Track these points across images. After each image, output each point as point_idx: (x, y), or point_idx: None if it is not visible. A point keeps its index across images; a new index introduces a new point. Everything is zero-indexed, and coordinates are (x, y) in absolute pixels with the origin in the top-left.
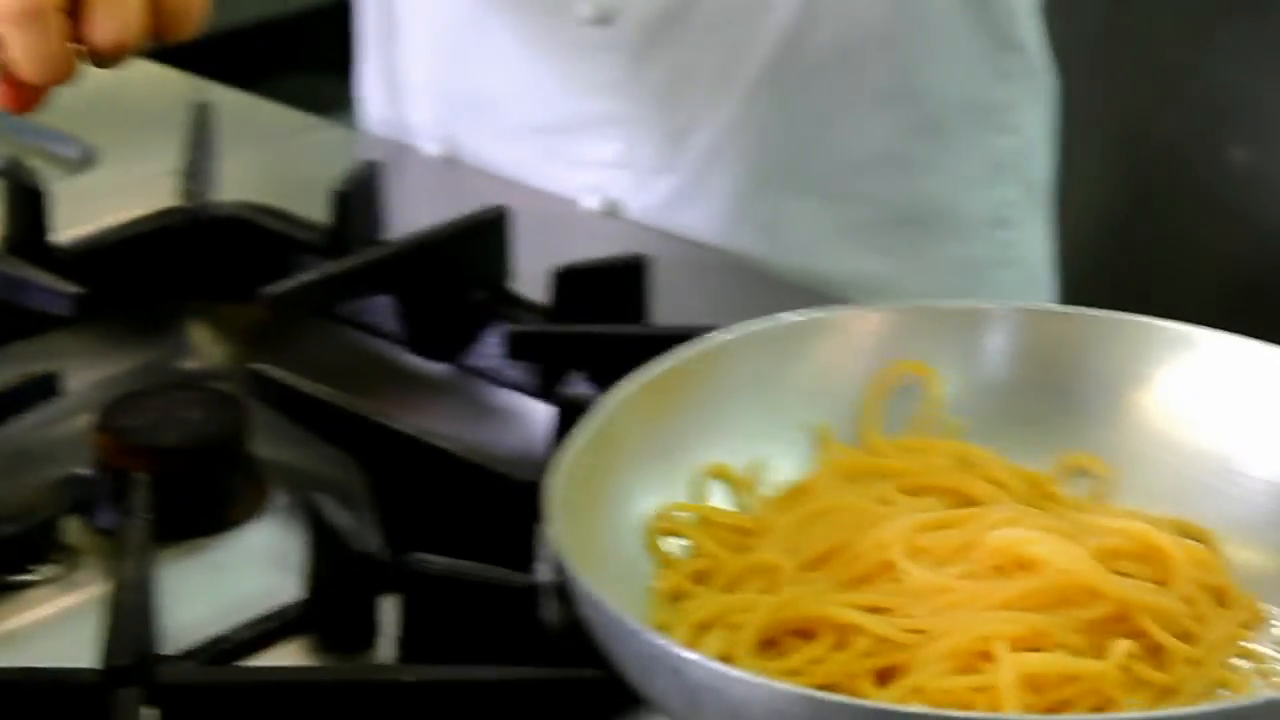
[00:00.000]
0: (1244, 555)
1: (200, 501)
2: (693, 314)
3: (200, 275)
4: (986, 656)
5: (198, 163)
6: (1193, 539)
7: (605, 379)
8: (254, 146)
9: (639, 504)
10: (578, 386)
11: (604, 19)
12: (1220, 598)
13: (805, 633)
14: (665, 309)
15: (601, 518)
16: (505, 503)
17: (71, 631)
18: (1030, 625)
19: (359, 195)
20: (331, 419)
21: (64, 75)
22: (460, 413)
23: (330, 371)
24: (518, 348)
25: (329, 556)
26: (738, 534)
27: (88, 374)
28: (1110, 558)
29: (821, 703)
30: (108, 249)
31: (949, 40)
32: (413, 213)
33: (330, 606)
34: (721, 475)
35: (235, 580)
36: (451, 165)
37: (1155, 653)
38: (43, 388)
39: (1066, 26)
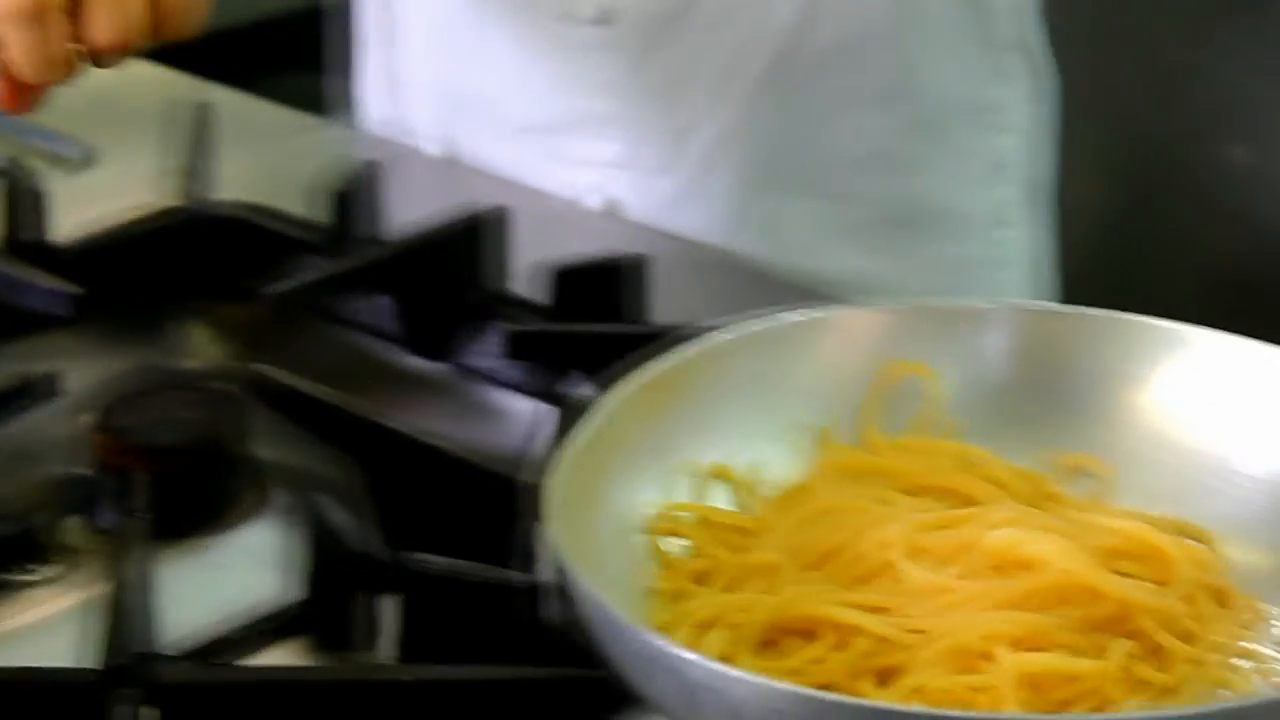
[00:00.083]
0: (1242, 555)
1: (198, 501)
2: (691, 313)
3: (199, 275)
4: (986, 656)
5: (196, 162)
6: (1191, 538)
7: (603, 378)
8: (252, 146)
9: (637, 504)
10: (576, 386)
11: (604, 19)
12: (1219, 597)
13: (805, 633)
14: (664, 308)
15: (600, 517)
16: (503, 502)
17: (70, 631)
18: (1030, 625)
19: (357, 195)
20: (330, 419)
21: (63, 75)
22: (458, 413)
23: (328, 371)
24: (516, 347)
25: (327, 556)
26: (737, 534)
27: (86, 374)
28: (1109, 557)
29: (821, 702)
30: (106, 249)
31: (947, 40)
32: (411, 212)
33: (328, 606)
34: (720, 475)
35: (233, 580)
36: (450, 165)
37: (1155, 653)
38: (41, 388)
39: (1064, 26)
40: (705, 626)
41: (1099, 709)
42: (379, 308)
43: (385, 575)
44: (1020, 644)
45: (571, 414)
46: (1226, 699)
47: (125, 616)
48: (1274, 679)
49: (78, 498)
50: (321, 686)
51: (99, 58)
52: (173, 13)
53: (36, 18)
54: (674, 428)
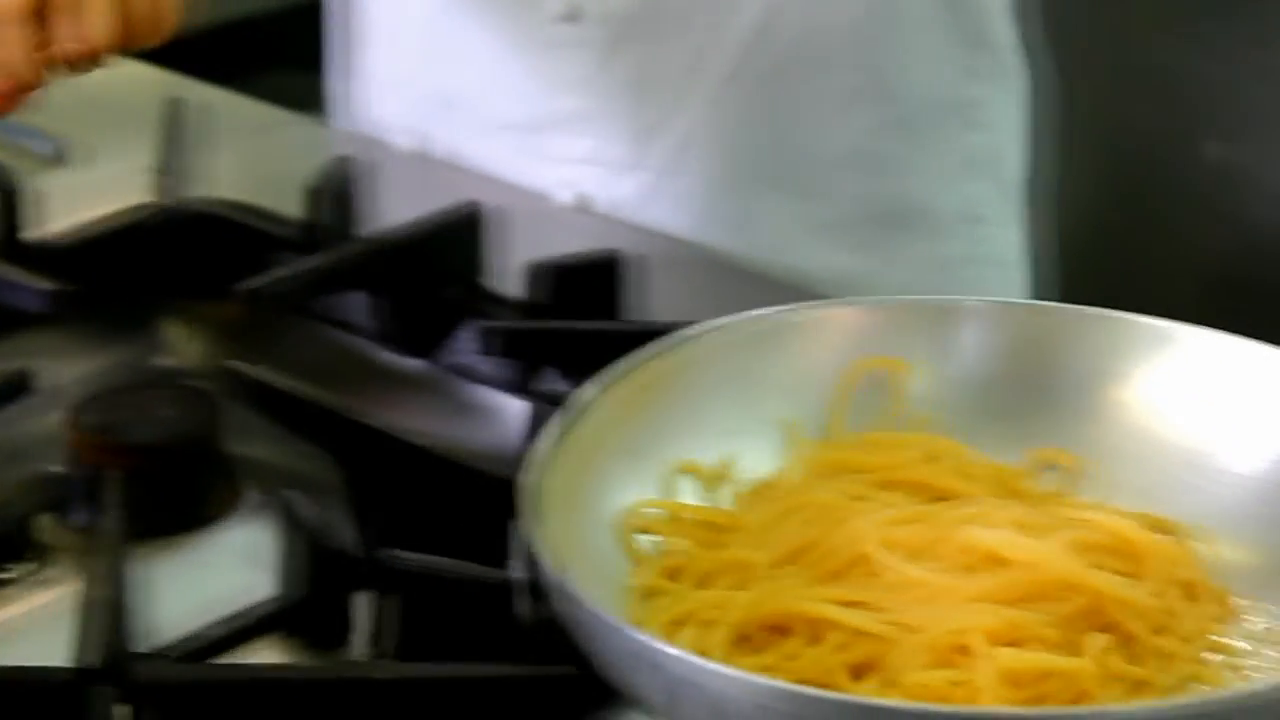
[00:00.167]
0: (1218, 550)
1: (175, 499)
2: (667, 310)
3: (176, 272)
4: (963, 650)
5: (174, 159)
6: (1166, 533)
7: (581, 375)
8: (230, 143)
9: (615, 500)
10: (553, 382)
11: (573, 16)
12: (1193, 592)
13: (780, 628)
14: (640, 304)
15: (577, 514)
16: (481, 499)
17: (46, 630)
18: (1006, 619)
19: (335, 192)
20: (309, 416)
21: (33, 82)
22: (436, 409)
23: (308, 368)
24: (493, 344)
25: (305, 553)
26: (711, 530)
27: (62, 371)
28: (1084, 552)
29: (802, 697)
30: (83, 246)
31: (921, 38)
32: (388, 209)
33: (306, 603)
34: (695, 471)
35: (211, 578)
36: (426, 161)
37: (1130, 646)
38: (16, 385)
39: (1049, 24)
40: (680, 623)
41: (1076, 703)
42: (358, 305)
43: (365, 573)
44: (997, 638)
45: (550, 410)
46: (1200, 693)
47: (103, 615)
48: (1245, 672)
49: (55, 496)
50: (301, 684)
51: (68, 64)
52: (143, 21)
53: (37, 16)
54: (653, 424)
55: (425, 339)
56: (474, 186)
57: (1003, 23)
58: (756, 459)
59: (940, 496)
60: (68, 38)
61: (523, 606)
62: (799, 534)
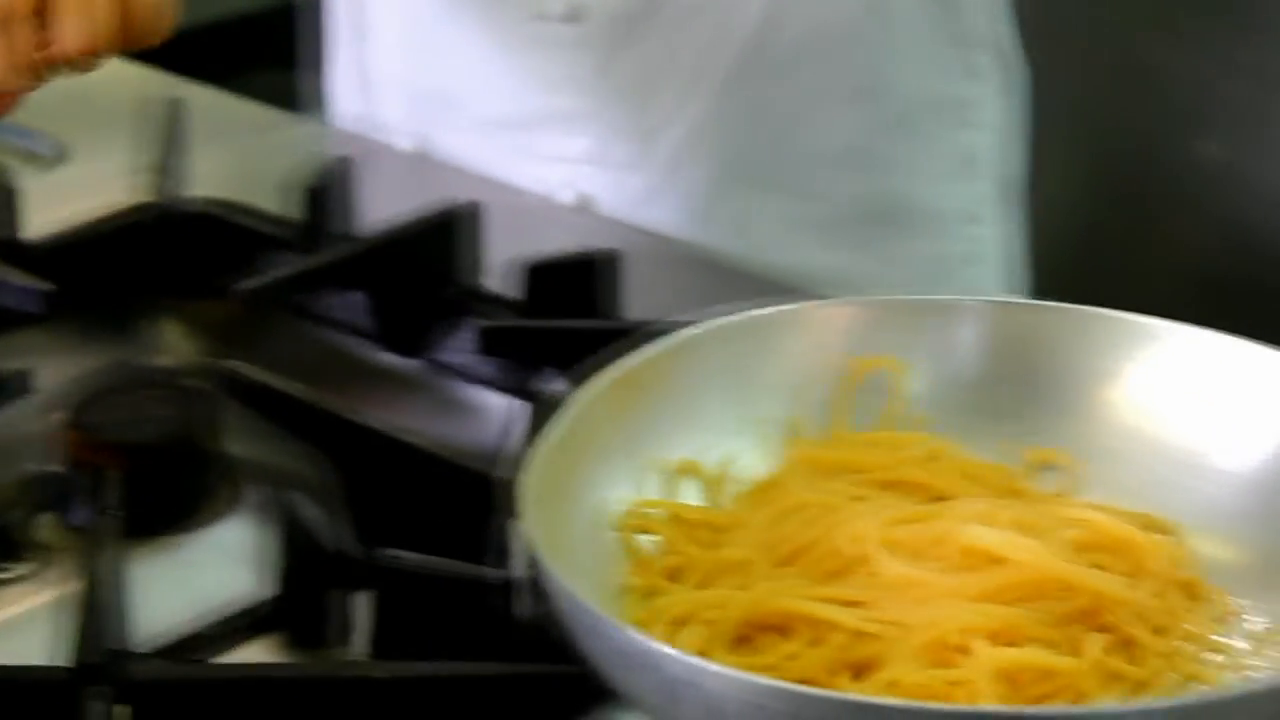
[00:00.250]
0: (1212, 549)
1: (170, 498)
2: (660, 308)
3: (168, 271)
4: (961, 650)
5: (168, 159)
6: (1159, 532)
7: (573, 374)
8: (225, 143)
9: (608, 499)
10: (546, 381)
11: (573, 16)
12: (1189, 591)
13: (779, 628)
14: (636, 303)
15: (573, 513)
16: (477, 498)
17: (42, 629)
18: (1004, 619)
19: (329, 191)
20: (302, 415)
21: (32, 82)
22: (431, 409)
23: (301, 368)
24: (489, 343)
25: (299, 553)
26: (708, 530)
27: (58, 371)
28: (1081, 551)
29: (801, 697)
30: (78, 246)
31: (915, 38)
32: (383, 208)
33: (300, 603)
34: (691, 471)
35: (205, 577)
36: (422, 160)
37: (1127, 646)
38: (13, 385)
39: (1037, 23)
40: (678, 623)
41: (1073, 702)
42: (352, 304)
43: (358, 572)
44: (995, 638)
45: (544, 410)
46: (1198, 692)
47: (97, 614)
48: (1244, 672)
49: (49, 495)
50: (294, 683)
51: (68, 64)
52: (141, 18)
53: (3, 24)
54: (646, 423)
55: (417, 338)
56: (467, 185)
57: (995, 22)
58: (751, 458)
59: (935, 496)
60: (69, 36)
61: (514, 605)
62: (795, 534)
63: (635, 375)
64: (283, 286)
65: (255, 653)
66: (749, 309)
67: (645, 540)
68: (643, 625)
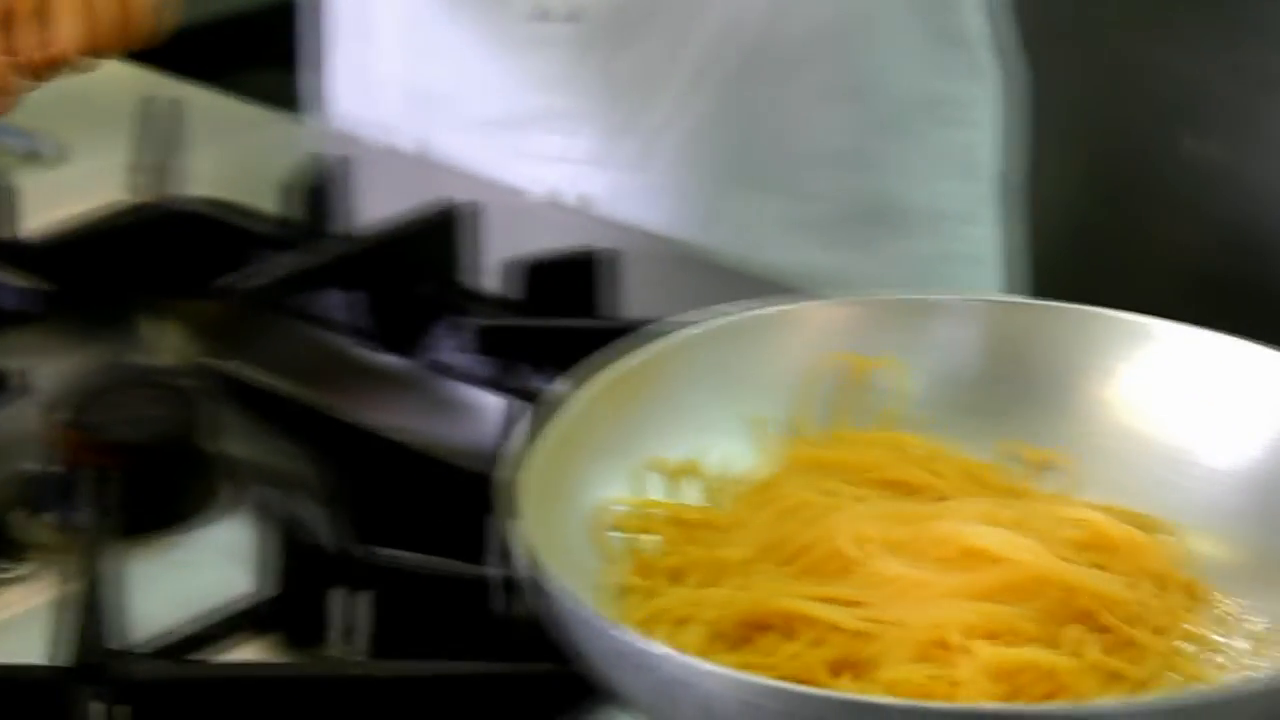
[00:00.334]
0: (1209, 548)
1: (162, 497)
2: (645, 306)
3: (156, 270)
4: (944, 646)
5: (154, 157)
6: (1145, 529)
7: (559, 371)
8: (217, 142)
9: (593, 497)
10: (532, 379)
11: (571, 17)
12: (1187, 591)
13: (768, 626)
14: (632, 303)
15: (569, 513)
16: (472, 498)
17: (32, 628)
18: (999, 618)
19: (321, 190)
20: (298, 415)
21: (31, 82)
22: (422, 407)
23: (297, 368)
24: (485, 343)
25: (290, 552)
26: (705, 530)
27: (54, 371)
28: (1074, 550)
29: (797, 695)
30: (75, 245)
31: (902, 37)
32: (367, 206)
33: (292, 601)
34: (688, 470)
35: (196, 576)
36: (419, 160)
37: (1121, 644)
38: (9, 385)
39: (1033, 23)
40: (659, 620)
41: (1056, 696)
42: (348, 303)
43: (354, 571)
44: (990, 636)
45: (541, 410)
46: (1195, 690)
47: (94, 613)
48: (1243, 671)
49: (46, 495)
50: (291, 682)
51: (67, 64)
52: (140, 18)
53: (3, 24)
54: (642, 423)
55: (404, 336)
56: (452, 184)
57: (979, 21)
58: (734, 456)
59: (933, 496)
60: (68, 37)
61: (503, 603)
62: (778, 531)
63: (631, 375)
64: (279, 286)
65: (252, 652)
66: (745, 308)
67: (642, 540)
68: (640, 625)
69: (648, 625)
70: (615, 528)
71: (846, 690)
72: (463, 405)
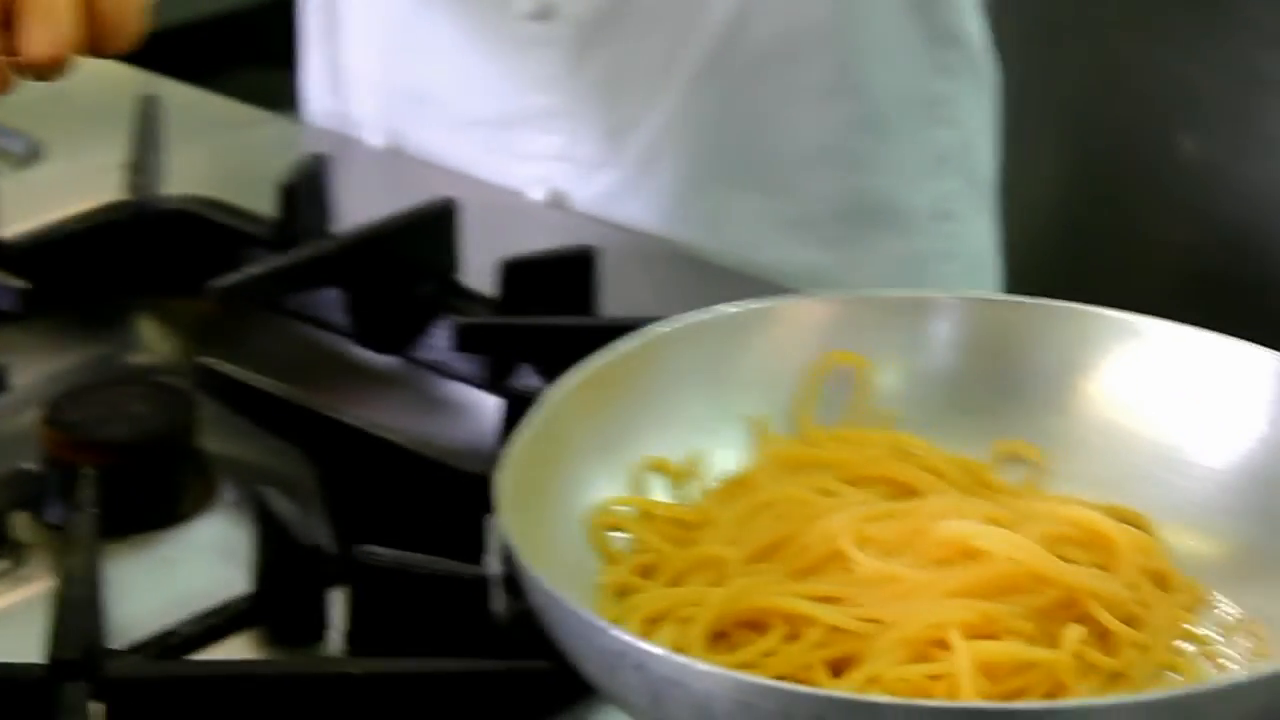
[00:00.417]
0: (1187, 541)
1: (148, 496)
2: (638, 305)
3: (148, 269)
4: (940, 645)
5: (145, 157)
6: (1135, 526)
7: (553, 371)
8: (201, 140)
9: (586, 496)
10: (526, 379)
11: (543, 14)
12: (1164, 583)
13: (755, 625)
14: (610, 300)
15: (550, 511)
16: (454, 495)
17: (18, 626)
18: (982, 613)
19: (306, 189)
20: (280, 412)
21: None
22: (409, 405)
23: (278, 365)
24: (466, 340)
25: (277, 550)
26: (682, 527)
27: (34, 369)
28: (1055, 544)
29: (788, 694)
30: (55, 244)
31: (889, 35)
32: (360, 206)
33: (279, 600)
34: (666, 468)
35: (183, 574)
36: (397, 158)
37: (1103, 638)
38: None
39: (1016, 19)
40: (654, 621)
41: (1052, 695)
42: (328, 301)
43: (337, 568)
44: (973, 632)
45: (521, 406)
46: (1175, 683)
47: (74, 611)
48: (1219, 661)
49: (26, 492)
50: (272, 680)
51: (35, 72)
52: (110, 26)
53: (3, 24)
54: (623, 420)
55: (397, 335)
56: (445, 183)
57: (971, 19)
58: (727, 455)
59: (911, 492)
60: (35, 43)
61: (496, 602)
62: (771, 530)
63: (611, 372)
64: (260, 284)
65: (233, 649)
66: (724, 306)
67: (620, 538)
68: (618, 622)
69: (637, 624)
70: (604, 527)
71: (830, 688)
72: (444, 402)
